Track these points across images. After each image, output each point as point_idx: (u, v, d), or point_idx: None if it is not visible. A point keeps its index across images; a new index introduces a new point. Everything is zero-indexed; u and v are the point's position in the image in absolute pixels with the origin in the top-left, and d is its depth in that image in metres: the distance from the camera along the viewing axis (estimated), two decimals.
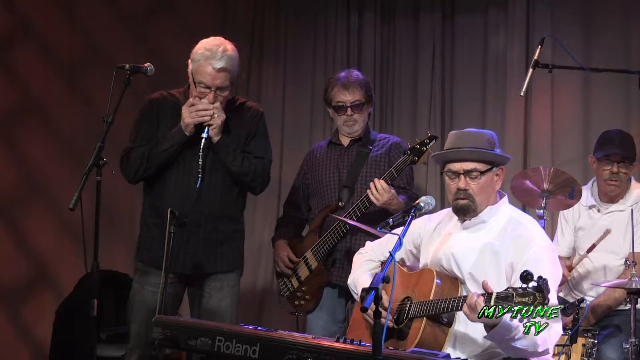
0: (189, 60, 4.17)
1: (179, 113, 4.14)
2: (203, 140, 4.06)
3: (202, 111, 4.07)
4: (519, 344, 3.17)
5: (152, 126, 4.21)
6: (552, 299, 3.25)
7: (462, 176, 3.45)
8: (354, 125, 4.70)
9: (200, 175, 4.02)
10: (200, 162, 4.03)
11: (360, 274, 3.80)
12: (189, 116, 4.08)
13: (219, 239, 4.22)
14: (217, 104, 4.10)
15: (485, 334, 3.18)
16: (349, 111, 4.66)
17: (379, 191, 4.38)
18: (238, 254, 4.33)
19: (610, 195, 4.60)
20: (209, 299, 4.22)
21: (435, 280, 3.45)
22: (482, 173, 3.45)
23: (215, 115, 4.08)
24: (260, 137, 4.34)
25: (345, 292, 4.61)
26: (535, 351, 3.22)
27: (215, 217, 4.20)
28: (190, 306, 4.31)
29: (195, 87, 4.12)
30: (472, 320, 3.15)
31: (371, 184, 4.42)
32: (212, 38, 4.20)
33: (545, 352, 3.26)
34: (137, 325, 4.17)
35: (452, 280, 3.48)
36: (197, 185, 4.02)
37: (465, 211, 3.49)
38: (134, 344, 4.19)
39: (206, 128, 4.08)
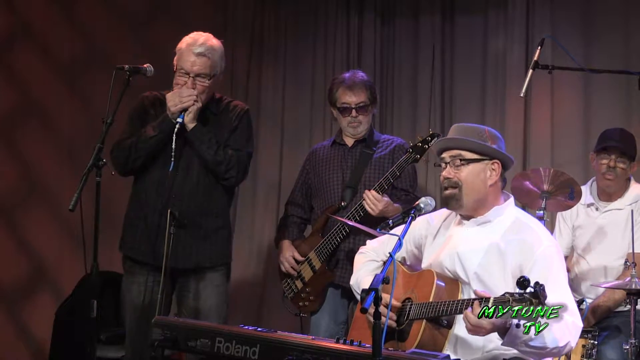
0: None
1: (165, 110, 4.17)
2: (177, 125, 4.07)
3: (187, 97, 4.10)
4: (536, 343, 3.15)
5: (141, 122, 4.20)
6: (565, 296, 3.26)
7: (448, 165, 3.46)
8: (358, 127, 4.70)
9: (172, 160, 4.02)
10: (173, 147, 4.03)
11: (364, 274, 3.78)
12: (173, 103, 4.10)
13: (200, 235, 4.21)
14: (196, 91, 4.13)
15: (501, 340, 3.17)
16: (354, 113, 4.67)
17: (372, 201, 4.39)
18: (222, 251, 4.31)
19: (607, 192, 4.60)
20: (193, 299, 4.22)
21: (436, 281, 3.44)
22: (468, 161, 3.43)
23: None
24: (240, 131, 4.31)
25: (348, 293, 4.62)
26: (557, 346, 3.18)
27: (198, 213, 4.20)
28: (178, 305, 4.30)
29: (178, 75, 4.15)
30: (482, 335, 3.14)
31: (364, 194, 4.44)
32: (199, 32, 4.25)
33: (568, 346, 3.21)
34: (129, 324, 4.20)
35: (453, 282, 3.47)
36: (170, 169, 4.02)
37: (449, 200, 3.46)
38: (129, 342, 4.22)
39: (182, 114, 4.10)
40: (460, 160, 3.43)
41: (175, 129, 4.06)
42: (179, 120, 4.08)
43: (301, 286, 4.71)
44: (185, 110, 4.10)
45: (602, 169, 4.54)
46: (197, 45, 4.13)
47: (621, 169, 4.52)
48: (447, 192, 3.45)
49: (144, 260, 4.15)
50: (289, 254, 4.72)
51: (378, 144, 4.74)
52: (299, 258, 4.69)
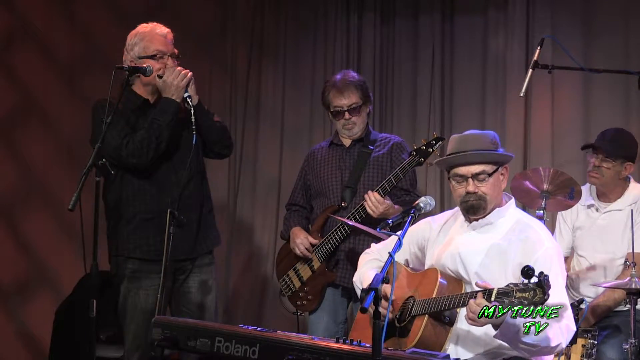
0: (126, 55, 4.17)
1: (134, 108, 4.14)
2: (188, 100, 4.09)
3: (184, 70, 4.10)
4: (529, 339, 3.17)
5: (123, 121, 4.12)
6: (562, 298, 3.29)
7: (470, 180, 3.46)
8: (353, 128, 4.70)
9: (194, 133, 4.02)
10: (193, 120, 4.04)
11: (367, 270, 3.79)
12: (180, 79, 4.08)
13: (202, 219, 4.26)
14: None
15: (494, 332, 3.19)
16: (347, 115, 4.66)
17: (374, 203, 4.39)
18: (217, 232, 4.40)
19: (602, 192, 4.59)
20: (196, 294, 4.23)
21: (439, 279, 3.45)
22: (490, 175, 3.46)
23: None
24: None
25: (347, 293, 4.63)
26: (548, 346, 3.22)
27: (202, 199, 4.26)
28: (175, 303, 4.27)
29: (156, 59, 4.11)
30: (480, 325, 3.16)
31: (366, 196, 4.43)
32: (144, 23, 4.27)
33: (559, 347, 3.25)
34: (135, 328, 4.15)
35: (456, 281, 3.49)
36: (194, 142, 4.02)
37: (477, 210, 3.49)
38: (133, 347, 4.17)
39: (186, 88, 4.10)
40: (488, 175, 3.45)
41: (191, 102, 4.07)
42: (186, 95, 4.09)
43: (299, 285, 4.71)
44: (188, 84, 4.11)
45: (589, 167, 4.56)
46: (161, 29, 4.18)
47: (606, 169, 4.51)
48: (474, 202, 3.47)
49: (157, 259, 4.04)
50: (302, 236, 4.66)
51: (376, 142, 4.73)
52: (314, 241, 4.64)
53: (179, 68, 4.12)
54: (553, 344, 3.22)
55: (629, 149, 4.54)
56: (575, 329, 3.36)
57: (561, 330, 3.25)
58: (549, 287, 2.93)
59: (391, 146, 4.70)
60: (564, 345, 3.29)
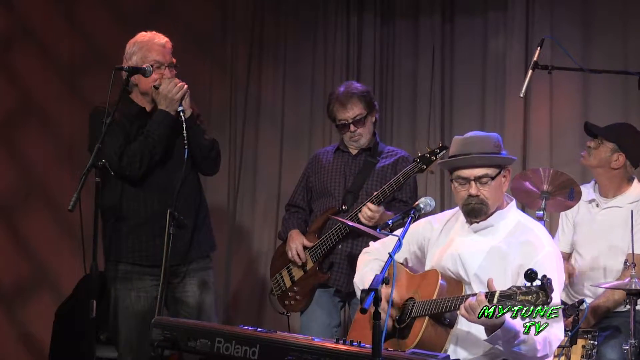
0: (125, 63, 4.14)
1: (131, 116, 4.13)
2: (181, 114, 4.07)
3: (180, 84, 4.09)
4: (518, 349, 3.20)
5: (120, 131, 4.12)
6: (555, 299, 3.28)
7: (472, 182, 3.45)
8: (360, 140, 4.70)
9: (186, 148, 4.00)
10: (185, 134, 4.02)
11: (369, 271, 3.77)
12: (175, 90, 4.06)
13: (197, 226, 4.24)
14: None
15: (486, 336, 3.19)
16: (352, 127, 4.67)
17: (370, 214, 4.41)
18: (212, 238, 4.38)
19: (600, 186, 4.60)
20: (192, 297, 4.22)
21: (440, 281, 3.46)
22: (493, 178, 3.46)
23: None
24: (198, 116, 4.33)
25: (342, 296, 4.63)
26: (535, 356, 3.24)
27: (198, 205, 4.25)
28: (174, 306, 4.26)
29: (152, 68, 4.09)
30: (471, 321, 3.16)
31: (362, 212, 4.44)
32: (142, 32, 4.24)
33: (545, 357, 3.29)
34: (127, 332, 4.15)
35: (457, 282, 3.49)
36: (185, 157, 4.00)
37: (478, 213, 3.49)
38: (126, 349, 4.17)
39: (180, 102, 4.08)
40: (491, 178, 3.45)
41: (183, 117, 4.05)
42: (180, 109, 4.07)
43: (289, 285, 4.71)
44: (182, 97, 4.09)
45: None
46: (159, 39, 4.15)
47: (594, 149, 4.51)
48: (475, 205, 3.47)
49: (150, 264, 4.07)
50: (298, 242, 4.69)
51: (382, 154, 4.74)
52: (308, 244, 4.65)
53: (175, 80, 4.10)
54: (540, 355, 3.25)
55: (622, 137, 4.52)
56: (562, 337, 3.38)
57: (550, 342, 3.27)
58: (551, 290, 2.94)
59: (397, 159, 4.70)
60: (550, 355, 3.32)
